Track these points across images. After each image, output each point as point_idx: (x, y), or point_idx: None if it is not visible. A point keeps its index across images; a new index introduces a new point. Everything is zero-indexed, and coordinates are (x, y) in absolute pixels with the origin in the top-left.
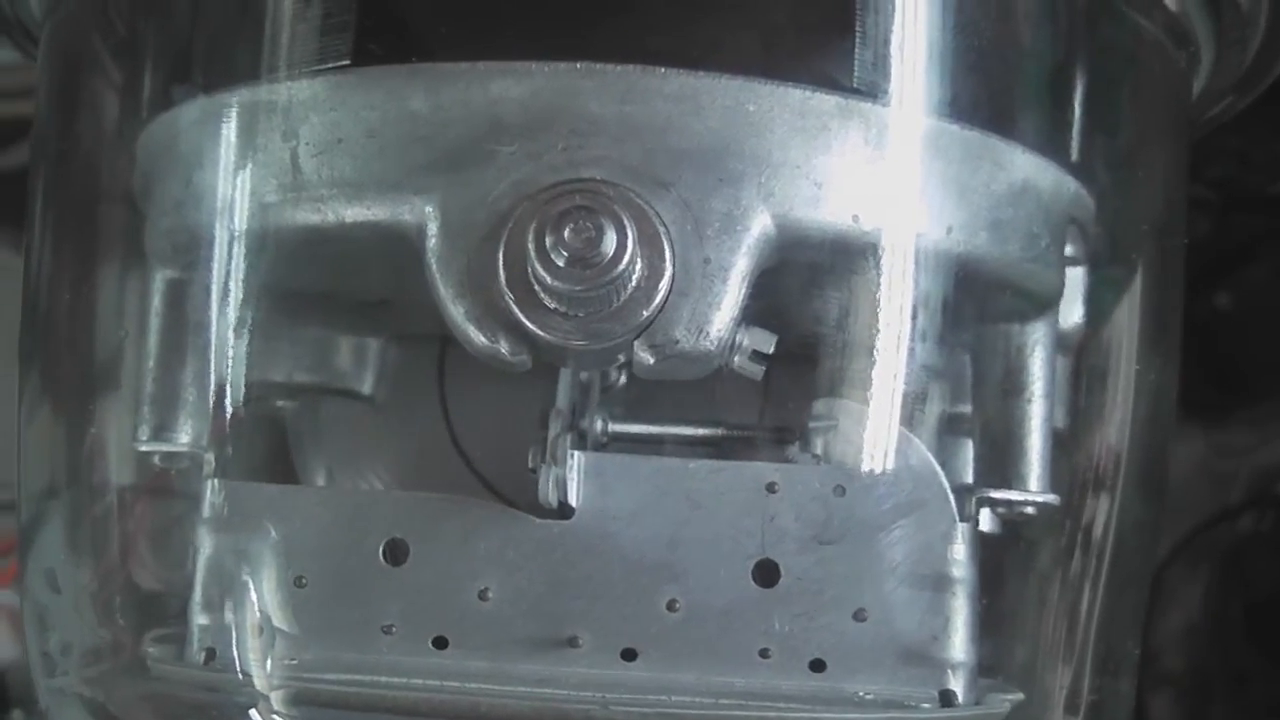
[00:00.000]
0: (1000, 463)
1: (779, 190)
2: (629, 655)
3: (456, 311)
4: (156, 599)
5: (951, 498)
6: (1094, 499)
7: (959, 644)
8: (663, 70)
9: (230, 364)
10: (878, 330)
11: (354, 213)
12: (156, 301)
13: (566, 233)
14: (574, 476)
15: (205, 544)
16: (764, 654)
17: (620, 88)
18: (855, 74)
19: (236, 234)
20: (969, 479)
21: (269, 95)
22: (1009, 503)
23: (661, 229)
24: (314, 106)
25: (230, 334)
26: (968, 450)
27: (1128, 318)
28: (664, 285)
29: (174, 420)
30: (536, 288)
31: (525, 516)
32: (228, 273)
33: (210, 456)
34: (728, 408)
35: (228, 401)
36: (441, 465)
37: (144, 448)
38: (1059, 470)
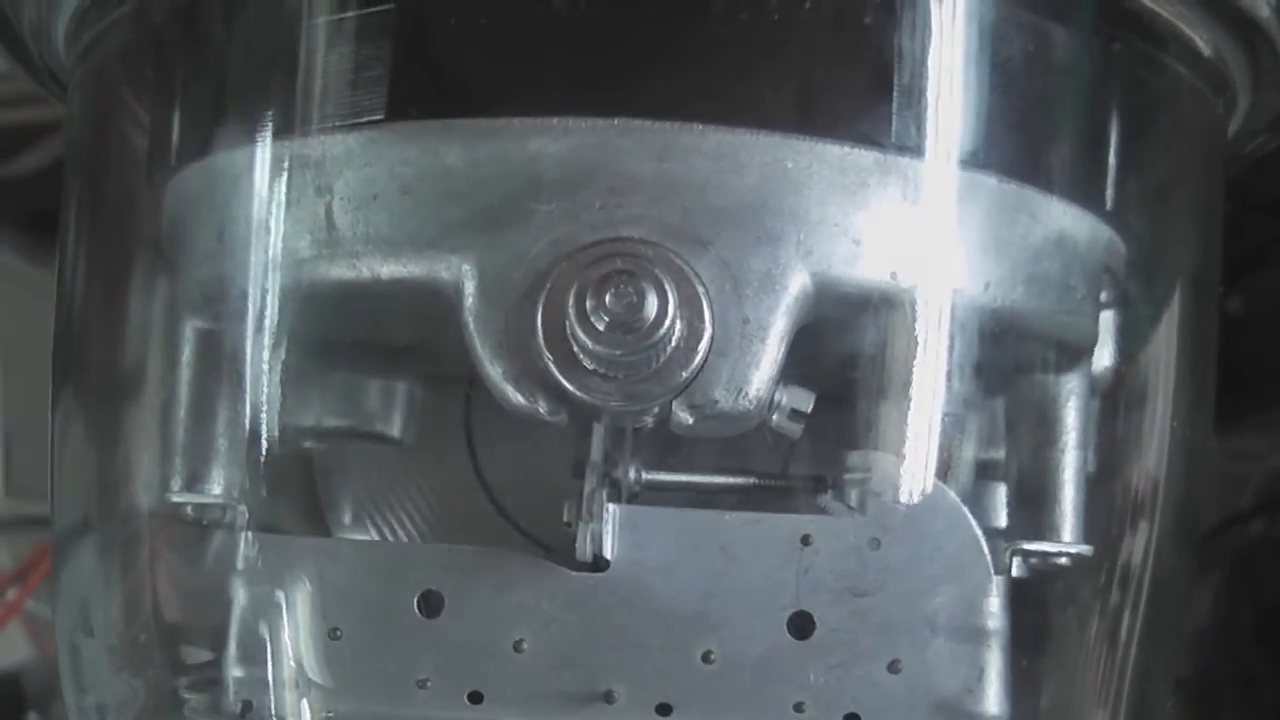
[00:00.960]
0: (1033, 513)
1: (817, 248)
2: (664, 710)
3: (494, 371)
4: (190, 644)
5: (986, 551)
6: (1127, 547)
7: (993, 696)
8: (700, 127)
9: (262, 415)
10: (913, 385)
11: (389, 269)
12: (187, 352)
13: (608, 297)
14: (609, 529)
15: (240, 596)
16: (799, 708)
17: (658, 145)
18: (893, 129)
19: (269, 288)
20: (1001, 523)
21: (303, 149)
22: (1042, 554)
23: (701, 289)
24: (348, 161)
25: (262, 385)
26: (1001, 495)
27: (1163, 364)
28: (703, 346)
29: (206, 471)
30: (575, 349)
31: (560, 569)
32: (260, 325)
33: (243, 509)
34: (758, 453)
35: (260, 453)
36: (469, 506)
37: (176, 499)
38: (1092, 516)
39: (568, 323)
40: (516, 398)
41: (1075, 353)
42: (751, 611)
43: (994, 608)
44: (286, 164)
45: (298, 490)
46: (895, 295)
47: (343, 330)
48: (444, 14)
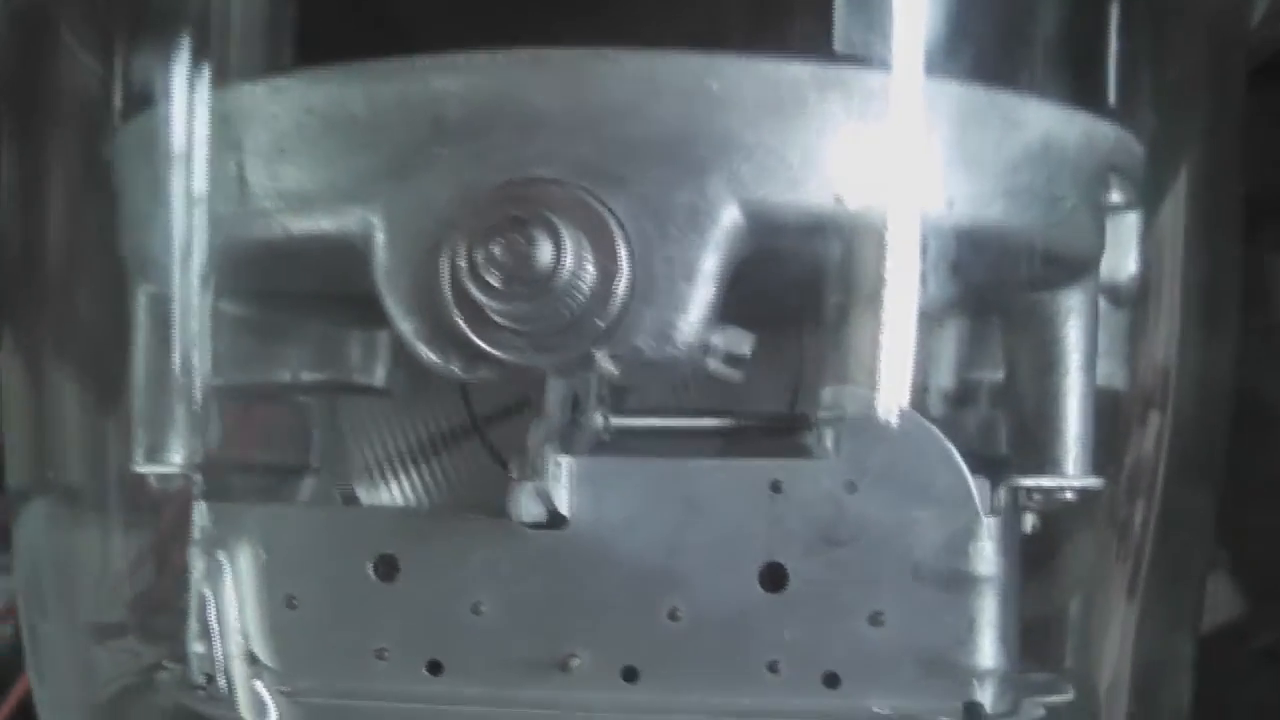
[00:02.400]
0: (1034, 445)
1: (749, 176)
2: (630, 674)
3: (406, 329)
4: (161, 617)
5: (974, 491)
6: (1134, 477)
7: (986, 649)
8: (614, 52)
9: (221, 378)
10: (879, 316)
11: (301, 225)
12: (141, 318)
13: (497, 249)
14: (565, 484)
15: (197, 567)
16: (773, 668)
17: (568, 75)
18: (835, 36)
19: (200, 250)
20: (998, 458)
21: (214, 104)
22: (1043, 490)
23: (616, 230)
24: (255, 114)
25: (213, 348)
26: (997, 428)
27: (1176, 273)
28: (621, 291)
29: (166, 441)
30: (481, 304)
31: (518, 528)
32: (202, 287)
33: (198, 478)
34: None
35: (216, 418)
36: (466, 452)
37: (140, 469)
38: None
39: (465, 278)
40: (430, 356)
41: (1073, 266)
42: (719, 565)
43: (986, 552)
44: (200, 120)
45: (298, 446)
46: (842, 221)
47: (296, 282)
48: None
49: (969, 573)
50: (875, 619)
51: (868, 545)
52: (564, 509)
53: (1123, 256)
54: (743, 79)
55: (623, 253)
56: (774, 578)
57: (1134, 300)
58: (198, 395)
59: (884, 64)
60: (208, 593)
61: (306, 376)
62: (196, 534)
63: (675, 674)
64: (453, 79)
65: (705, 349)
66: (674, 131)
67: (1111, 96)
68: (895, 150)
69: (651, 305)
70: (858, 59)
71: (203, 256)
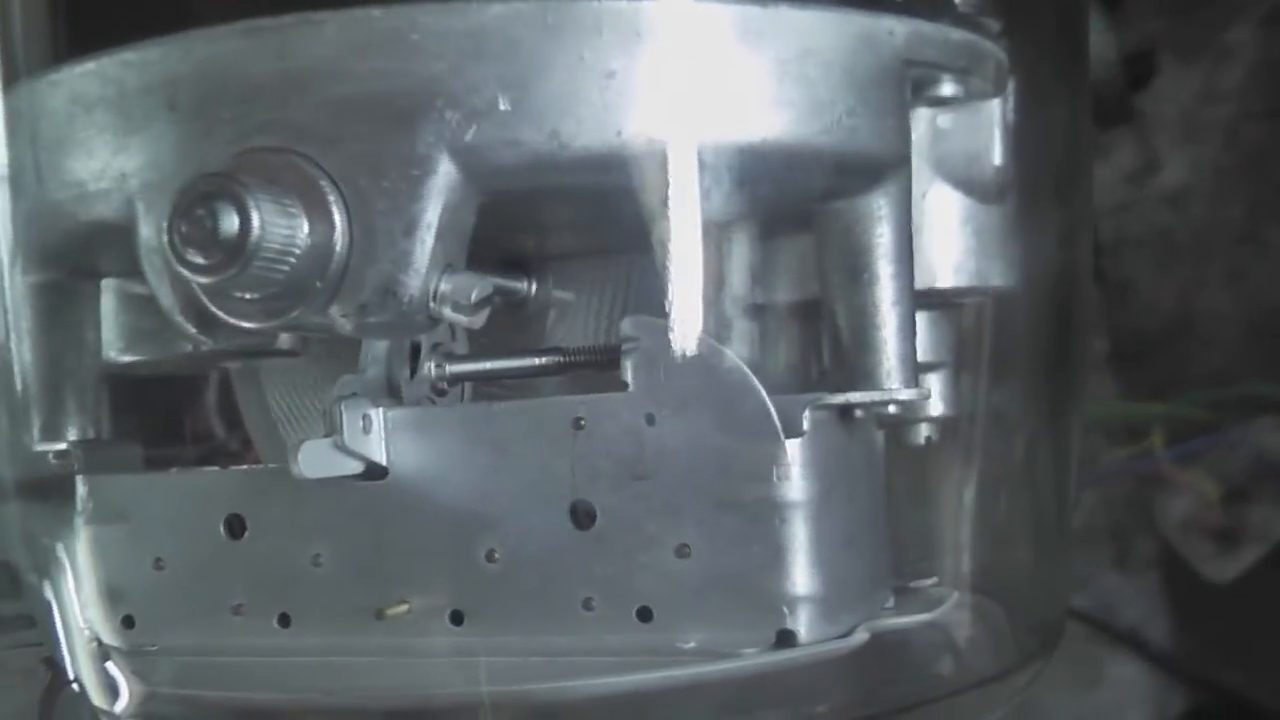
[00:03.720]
0: (846, 360)
1: (459, 123)
2: (456, 618)
3: (164, 304)
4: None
5: (775, 414)
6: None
7: (797, 576)
8: (318, 15)
9: (124, 354)
10: (659, 243)
11: (86, 213)
12: (23, 301)
13: (185, 226)
14: (380, 435)
15: (80, 537)
16: (587, 605)
17: (278, 43)
18: None
19: (34, 239)
20: (813, 376)
21: (13, 100)
22: (857, 406)
23: (329, 190)
24: (41, 108)
25: (108, 325)
26: (810, 344)
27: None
28: (338, 250)
29: (61, 419)
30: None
31: (346, 480)
32: (65, 270)
33: (79, 452)
34: None
35: (105, 394)
36: None
37: (38, 448)
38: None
39: (171, 257)
40: (189, 329)
41: (865, 172)
42: (529, 506)
43: (791, 476)
44: (8, 116)
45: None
46: (563, 156)
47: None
48: None
49: (773, 498)
50: (681, 551)
51: (670, 477)
52: (381, 459)
53: (981, 149)
54: (443, 26)
55: (336, 213)
56: (582, 515)
57: (1000, 194)
58: (87, 373)
59: None
60: (48, 588)
61: (206, 346)
62: (79, 505)
63: (496, 615)
64: (180, 59)
65: (437, 298)
66: (379, 87)
67: None
68: (613, 77)
69: (373, 261)
70: None
71: (40, 245)
